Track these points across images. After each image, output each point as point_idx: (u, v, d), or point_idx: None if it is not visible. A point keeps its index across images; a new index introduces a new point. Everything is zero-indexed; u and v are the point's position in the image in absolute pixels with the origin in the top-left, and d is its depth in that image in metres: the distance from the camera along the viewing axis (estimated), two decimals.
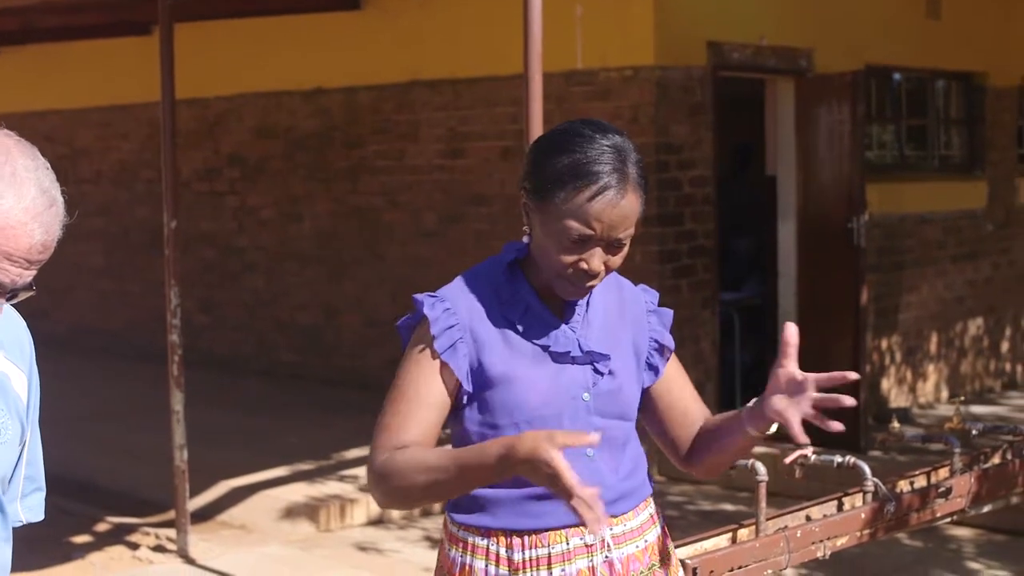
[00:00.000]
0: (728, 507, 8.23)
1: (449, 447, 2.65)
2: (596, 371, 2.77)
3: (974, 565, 7.22)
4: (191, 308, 12.33)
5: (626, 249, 2.69)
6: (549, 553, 2.72)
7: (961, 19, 11.51)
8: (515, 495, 2.70)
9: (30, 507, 2.49)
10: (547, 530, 2.72)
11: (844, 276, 9.73)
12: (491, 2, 9.86)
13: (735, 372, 10.35)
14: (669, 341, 2.92)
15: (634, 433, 2.87)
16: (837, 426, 2.56)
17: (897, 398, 11.11)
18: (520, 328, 2.73)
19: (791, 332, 2.62)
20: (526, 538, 2.72)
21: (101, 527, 7.80)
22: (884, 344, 10.94)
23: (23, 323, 2.50)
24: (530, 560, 2.72)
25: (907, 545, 7.36)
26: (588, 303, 2.81)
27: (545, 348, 2.73)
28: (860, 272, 9.69)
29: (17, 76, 14.34)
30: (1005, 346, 12.40)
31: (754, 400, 2.71)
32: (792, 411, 2.59)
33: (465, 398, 2.71)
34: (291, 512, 7.89)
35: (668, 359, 2.92)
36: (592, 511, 2.31)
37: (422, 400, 2.66)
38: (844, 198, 9.66)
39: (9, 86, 14.45)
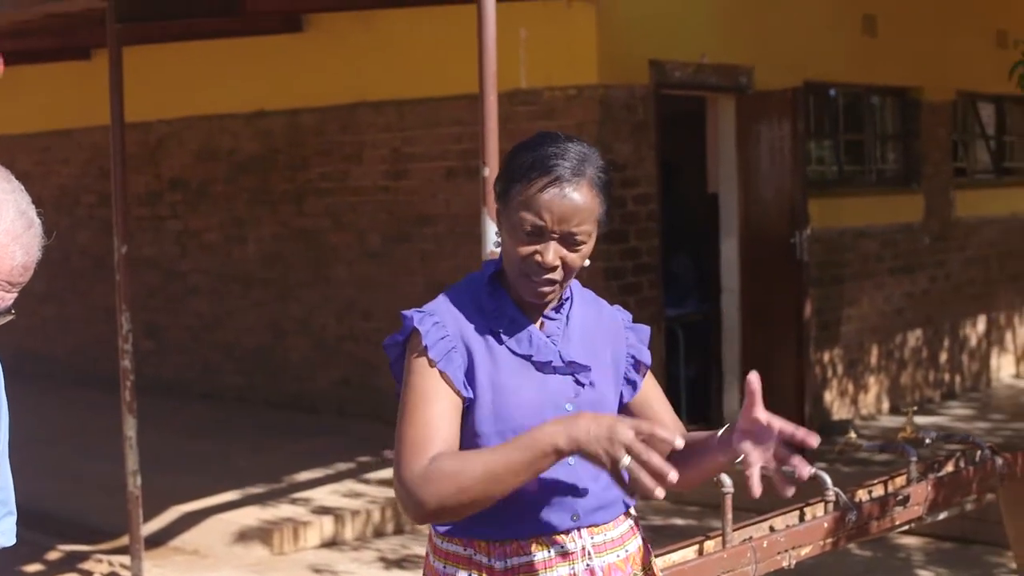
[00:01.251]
0: (679, 521, 8.29)
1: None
2: (577, 382, 2.82)
3: (924, 573, 7.32)
4: (135, 333, 12.25)
5: (586, 249, 2.74)
6: (532, 561, 2.76)
7: (897, 36, 11.67)
8: (498, 505, 2.70)
9: (2, 531, 2.48)
10: (528, 538, 2.76)
11: (787, 290, 9.84)
12: (435, 24, 9.91)
13: (680, 387, 10.43)
14: (646, 357, 2.99)
15: None
16: (790, 491, 2.68)
17: (839, 410, 11.23)
18: (504, 338, 2.78)
19: (754, 381, 2.67)
20: (508, 547, 2.76)
21: (52, 555, 7.75)
22: (826, 357, 11.06)
23: None
24: (513, 568, 2.76)
25: (857, 555, 7.44)
26: (568, 316, 2.86)
27: (528, 358, 2.79)
28: (803, 286, 9.80)
29: None
30: (943, 356, 12.56)
31: (726, 427, 2.78)
32: (755, 457, 2.66)
33: (465, 406, 2.75)
34: (244, 536, 7.87)
35: (644, 374, 2.98)
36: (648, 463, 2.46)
37: (436, 411, 2.69)
38: (786, 213, 9.77)
39: None
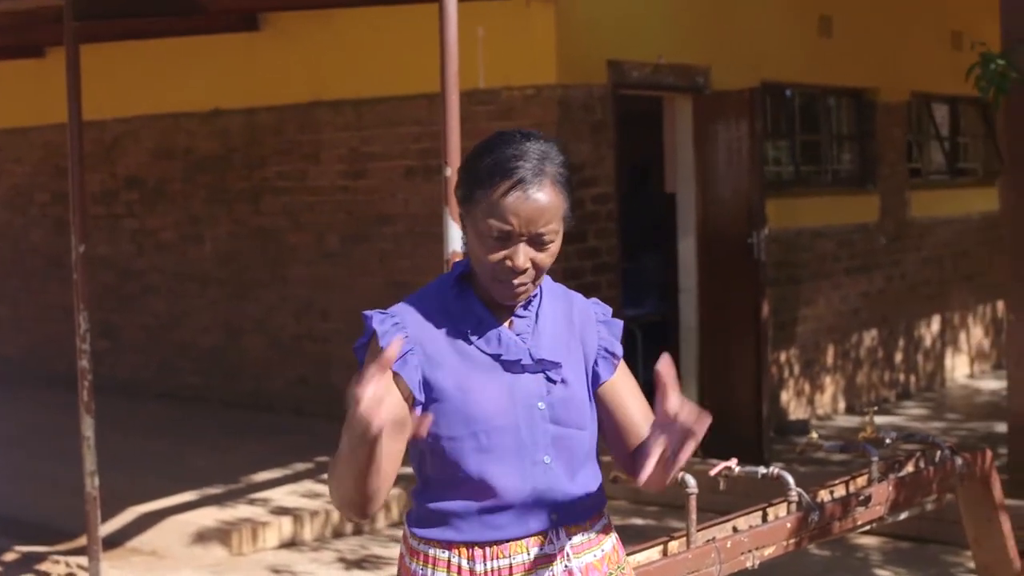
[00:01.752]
0: (638, 521, 8.32)
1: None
2: (549, 379, 2.81)
3: (882, 572, 7.36)
4: (91, 333, 12.18)
5: (554, 247, 2.74)
6: (511, 563, 2.76)
7: (852, 37, 11.74)
8: (475, 507, 2.75)
9: None
10: (508, 540, 2.76)
11: (745, 290, 9.86)
12: (393, 23, 9.88)
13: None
14: (618, 349, 2.97)
15: (594, 443, 2.91)
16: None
17: (796, 410, 11.28)
18: (472, 339, 2.78)
19: (664, 367, 2.58)
20: (487, 549, 2.76)
21: (9, 556, 7.70)
22: (783, 357, 11.11)
23: None
24: (491, 571, 2.76)
25: (815, 555, 7.48)
26: (537, 314, 2.86)
27: (497, 357, 2.78)
28: (761, 286, 9.83)
29: None
30: (899, 357, 12.64)
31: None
32: (655, 446, 2.59)
33: (418, 409, 2.74)
34: (203, 536, 7.84)
35: (616, 366, 2.96)
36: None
37: None
38: (744, 213, 9.80)
39: None
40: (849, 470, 5.37)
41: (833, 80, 11.78)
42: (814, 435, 5.03)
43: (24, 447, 10.09)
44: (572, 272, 9.28)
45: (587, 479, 2.87)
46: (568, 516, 2.82)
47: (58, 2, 6.96)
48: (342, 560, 7.63)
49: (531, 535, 2.78)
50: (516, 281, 2.73)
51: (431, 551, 2.80)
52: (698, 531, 4.13)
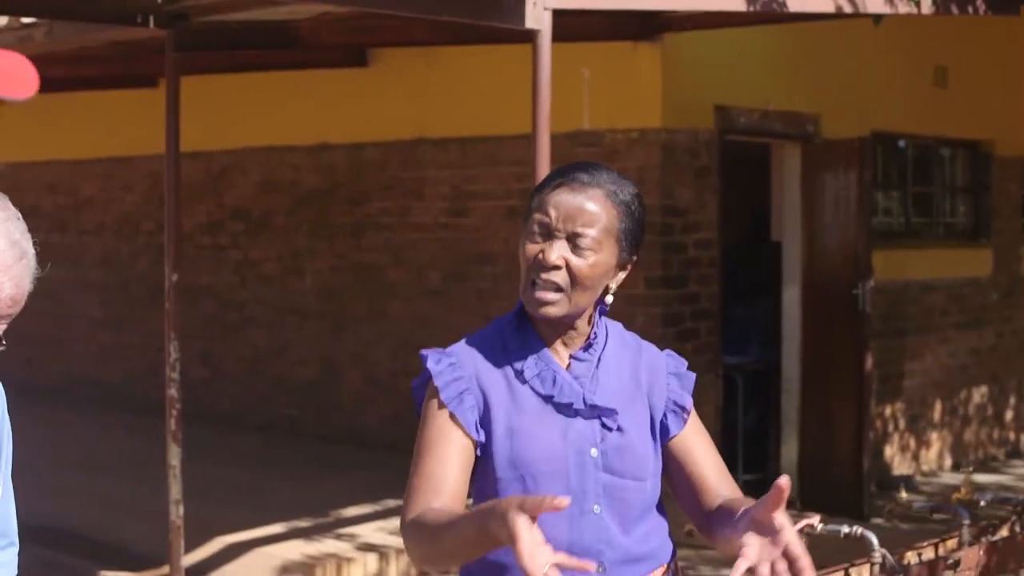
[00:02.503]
0: (726, 572, 8.13)
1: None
2: (604, 426, 2.71)
3: None
4: (190, 361, 12.24)
5: (595, 258, 2.65)
6: None
7: (968, 87, 11.51)
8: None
9: (3, 563, 2.39)
10: None
11: (848, 342, 9.69)
12: (496, 61, 9.84)
13: (738, 437, 10.27)
14: (687, 402, 2.86)
15: (654, 495, 2.80)
16: None
17: (900, 465, 11.03)
18: (526, 377, 2.71)
19: (783, 483, 2.40)
20: None
21: None
22: (887, 411, 10.88)
23: None
24: None
25: None
26: (600, 359, 2.76)
27: (549, 399, 2.70)
28: (864, 338, 9.64)
29: (23, 125, 14.32)
30: (1009, 415, 12.33)
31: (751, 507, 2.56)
32: (753, 552, 2.42)
33: (479, 450, 2.67)
34: (286, 570, 7.79)
35: (685, 420, 2.85)
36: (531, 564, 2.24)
37: (441, 458, 2.65)
38: (850, 264, 9.63)
39: (15, 135, 14.43)
40: (952, 529, 5.18)
41: (948, 131, 11.56)
42: (903, 494, 4.87)
43: (118, 473, 10.13)
44: (672, 318, 9.16)
45: (645, 533, 2.75)
46: (618, 570, 2.70)
47: (161, 33, 7.00)
48: None
49: None
50: (544, 277, 2.64)
51: None
52: None
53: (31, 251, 2.17)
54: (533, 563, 2.22)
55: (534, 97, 5.38)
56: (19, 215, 2.18)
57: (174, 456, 7.06)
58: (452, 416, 2.66)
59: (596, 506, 2.68)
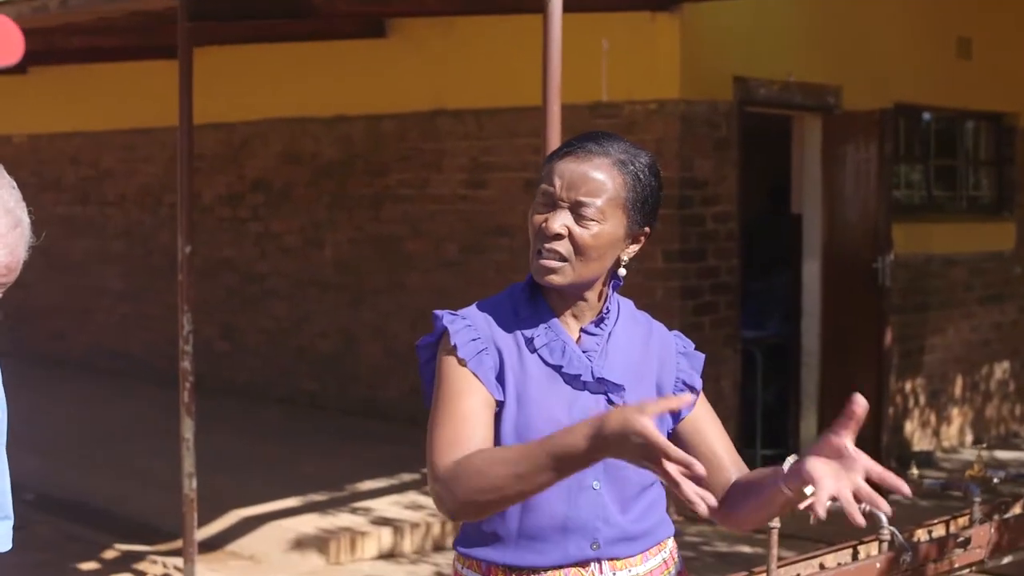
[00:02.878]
0: (746, 549, 8.09)
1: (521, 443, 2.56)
2: (610, 402, 2.67)
3: None
4: (212, 334, 12.28)
5: (599, 229, 2.60)
6: None
7: (992, 59, 11.40)
8: (515, 527, 2.63)
9: None
10: (547, 569, 2.63)
11: (868, 316, 9.63)
12: (514, 32, 9.79)
13: (756, 411, 10.22)
14: (696, 382, 2.82)
15: (653, 474, 2.76)
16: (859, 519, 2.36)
17: (920, 441, 10.97)
18: (535, 345, 2.67)
19: (859, 404, 2.35)
20: None
21: (108, 554, 7.72)
22: (908, 386, 10.81)
23: None
24: None
25: None
26: (610, 334, 2.72)
27: (558, 369, 2.66)
28: (884, 313, 9.58)
29: (44, 97, 14.34)
30: None
31: (793, 458, 2.51)
32: (829, 484, 2.34)
33: (497, 407, 2.64)
34: (301, 544, 7.79)
35: (694, 400, 2.81)
36: (689, 484, 2.21)
37: (468, 407, 2.59)
38: (870, 237, 9.56)
39: (36, 107, 14.46)
40: (966, 507, 5.12)
41: (971, 104, 11.46)
42: (915, 471, 4.82)
43: (136, 445, 10.16)
44: (690, 291, 9.11)
45: (642, 511, 2.72)
46: (613, 548, 2.67)
47: (174, 3, 6.97)
48: (439, 574, 7.54)
49: (570, 564, 2.64)
50: (547, 246, 2.60)
51: (471, 574, 2.70)
52: (780, 567, 3.95)
53: (26, 220, 2.15)
54: (679, 452, 2.20)
55: (545, 67, 5.34)
56: (14, 184, 2.16)
57: (187, 429, 7.05)
58: (474, 375, 2.61)
59: (595, 482, 2.64)
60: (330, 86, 11.45)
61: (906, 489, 2.36)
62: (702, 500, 2.23)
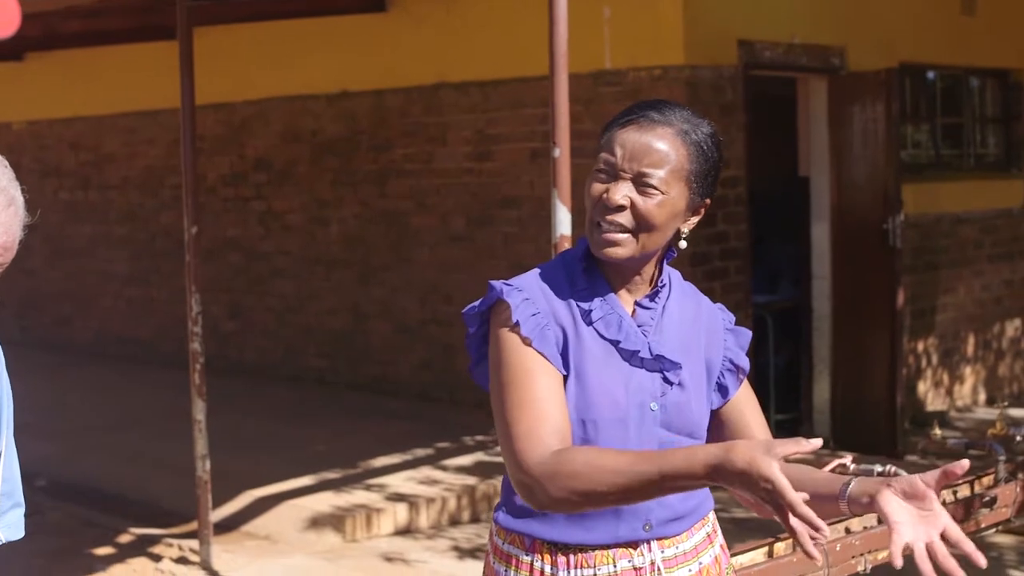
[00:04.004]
0: (742, 514, 8.07)
1: (636, 450, 2.49)
2: (666, 380, 2.61)
3: (1016, 573, 7.04)
4: (219, 315, 12.24)
5: (662, 200, 2.53)
6: (595, 574, 2.58)
7: (996, 15, 11.31)
8: None
9: (8, 524, 2.33)
10: (594, 548, 2.58)
11: (880, 277, 9.57)
12: (516, 3, 9.72)
13: (769, 376, 10.18)
14: (744, 362, 2.76)
15: None
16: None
17: (934, 401, 10.93)
18: (593, 318, 2.59)
19: (961, 467, 2.27)
20: (571, 556, 2.59)
21: (124, 539, 7.68)
22: (920, 346, 10.76)
23: None
24: None
25: None
26: (663, 309, 2.66)
27: (616, 344, 2.59)
28: (896, 273, 9.53)
29: (43, 82, 14.28)
30: None
31: (859, 480, 2.42)
32: (918, 532, 2.25)
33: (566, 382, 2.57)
34: (316, 522, 7.75)
35: (741, 381, 2.76)
36: (809, 538, 2.15)
37: (542, 388, 2.51)
38: (879, 198, 9.50)
39: (35, 92, 14.39)
40: (987, 466, 5.08)
41: (976, 61, 11.37)
42: (937, 431, 4.77)
43: (148, 429, 10.14)
44: (700, 257, 9.06)
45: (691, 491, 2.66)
46: (664, 528, 2.62)
47: None
48: (456, 548, 7.50)
49: (619, 544, 2.58)
50: (608, 218, 2.53)
51: (514, 551, 2.64)
52: None
53: (20, 199, 2.10)
54: (807, 538, 2.15)
55: (551, 37, 5.26)
56: (6, 163, 2.11)
57: (199, 411, 7.01)
58: (540, 353, 2.53)
59: None
60: (331, 62, 11.38)
61: (981, 561, 2.27)
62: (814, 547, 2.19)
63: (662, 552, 2.62)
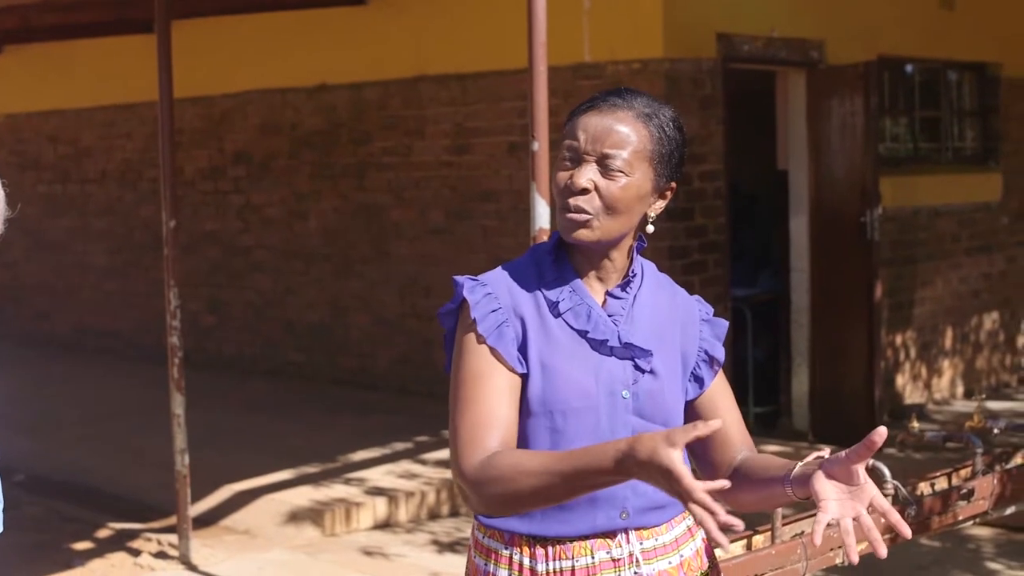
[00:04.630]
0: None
1: (552, 451, 2.51)
2: (637, 368, 2.61)
3: (994, 565, 7.06)
4: (197, 309, 12.21)
5: (626, 182, 2.54)
6: (573, 566, 2.58)
7: (975, 9, 11.34)
8: None
9: None
10: (572, 539, 2.58)
11: (858, 270, 9.59)
12: None
13: (748, 369, 10.20)
14: (720, 353, 2.75)
15: None
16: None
17: (912, 394, 10.95)
18: (560, 309, 2.60)
19: (880, 435, 2.31)
20: (549, 548, 2.59)
21: (102, 533, 7.66)
22: (898, 339, 10.79)
23: None
24: (553, 572, 2.59)
25: (924, 545, 7.20)
26: (635, 299, 2.66)
27: (584, 334, 2.59)
28: (874, 266, 9.55)
29: (21, 76, 14.22)
30: (1021, 340, 12.24)
31: (804, 463, 2.47)
32: (832, 508, 2.33)
33: (524, 380, 2.57)
34: (296, 516, 7.74)
35: (716, 372, 2.75)
36: (712, 518, 2.15)
37: (488, 394, 2.53)
38: (857, 191, 9.52)
39: (13, 86, 14.33)
40: (965, 458, 5.07)
41: (954, 54, 11.40)
42: (915, 424, 4.78)
43: (128, 422, 10.12)
44: (679, 251, 9.07)
45: None
46: (640, 518, 2.61)
47: None
48: (436, 543, 7.49)
49: (597, 535, 2.58)
50: (572, 202, 2.54)
51: (494, 545, 2.64)
52: (784, 525, 3.91)
53: (0, 193, 2.08)
54: (711, 519, 2.15)
55: (530, 28, 5.25)
56: None
57: (178, 405, 6.99)
58: (493, 351, 2.55)
59: None
60: (310, 55, 11.36)
61: (906, 531, 2.35)
62: (725, 533, 2.20)
63: (640, 544, 2.61)
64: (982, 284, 11.73)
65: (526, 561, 2.60)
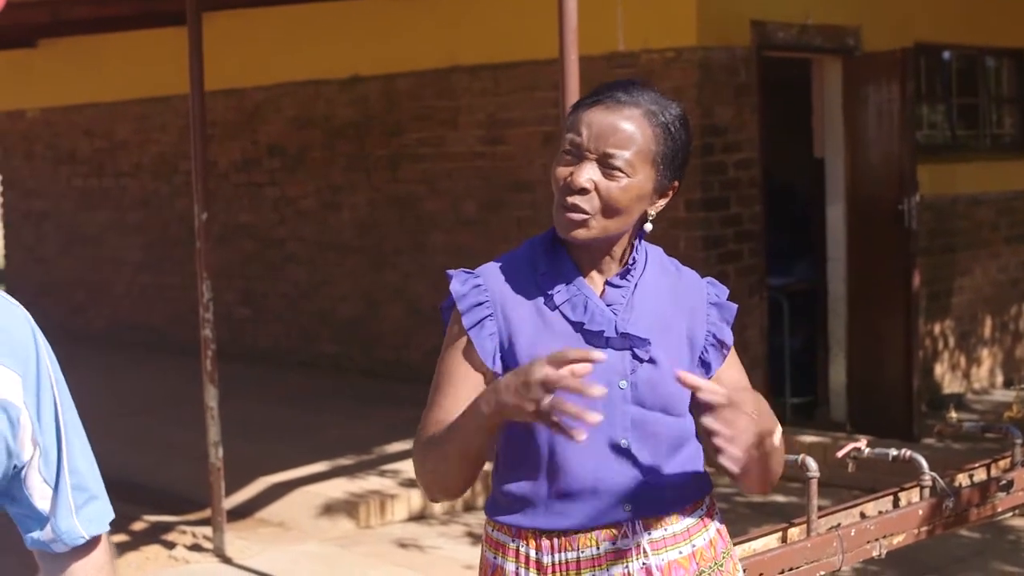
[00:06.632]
0: (779, 499, 8.00)
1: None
2: (635, 357, 2.56)
3: None
4: (232, 301, 12.22)
5: (628, 183, 2.49)
6: (578, 557, 2.55)
7: None
8: (544, 491, 2.55)
9: (88, 519, 2.27)
10: (576, 531, 2.55)
11: (895, 259, 9.51)
12: None
13: (785, 359, 10.12)
14: (728, 336, 2.70)
15: (689, 431, 2.65)
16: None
17: (951, 384, 10.86)
18: (556, 302, 2.56)
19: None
20: (555, 540, 2.56)
21: (138, 526, 7.66)
22: (937, 329, 10.70)
23: (19, 315, 2.26)
24: (559, 564, 2.56)
25: (964, 536, 7.12)
26: (636, 286, 2.61)
27: (579, 326, 2.55)
28: (911, 255, 9.46)
29: (54, 69, 14.25)
30: None
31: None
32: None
33: (495, 377, 2.54)
34: (330, 509, 7.73)
35: (725, 356, 2.70)
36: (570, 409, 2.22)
37: (457, 385, 2.55)
38: (894, 179, 9.43)
39: (47, 80, 14.36)
40: (1005, 448, 5.00)
41: (992, 41, 11.29)
42: (953, 414, 4.71)
43: (163, 415, 10.13)
44: (713, 240, 9.01)
45: (677, 469, 2.61)
46: (647, 507, 2.57)
47: None
48: (470, 535, 7.47)
49: (602, 526, 2.55)
50: (571, 200, 2.49)
51: (502, 539, 2.62)
52: (821, 517, 3.85)
53: None
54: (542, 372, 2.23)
55: (561, 17, 5.21)
56: None
57: (211, 397, 6.99)
58: (470, 343, 2.54)
59: (624, 440, 2.55)
60: (342, 47, 11.33)
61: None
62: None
63: (648, 534, 2.57)
64: (1021, 273, 11.62)
65: (532, 553, 2.58)
